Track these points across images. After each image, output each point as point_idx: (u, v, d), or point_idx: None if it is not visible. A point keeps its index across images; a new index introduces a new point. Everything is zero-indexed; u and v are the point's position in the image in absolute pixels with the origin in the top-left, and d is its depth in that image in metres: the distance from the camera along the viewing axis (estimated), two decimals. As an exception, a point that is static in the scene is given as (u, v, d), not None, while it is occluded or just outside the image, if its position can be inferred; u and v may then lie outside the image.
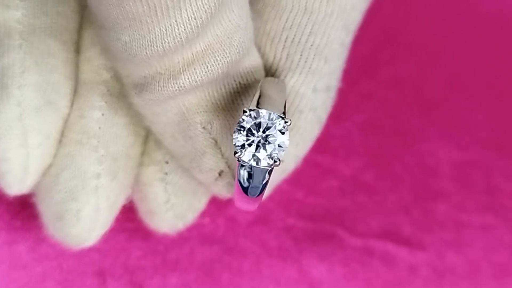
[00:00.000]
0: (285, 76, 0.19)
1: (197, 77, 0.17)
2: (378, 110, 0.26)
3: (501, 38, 0.29)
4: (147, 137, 0.21)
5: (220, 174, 0.19)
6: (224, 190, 0.20)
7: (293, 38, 0.19)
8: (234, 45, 0.17)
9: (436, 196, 0.25)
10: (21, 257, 0.22)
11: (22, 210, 0.22)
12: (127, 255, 0.23)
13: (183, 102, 0.18)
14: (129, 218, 0.22)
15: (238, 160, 0.17)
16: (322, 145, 0.24)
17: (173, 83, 0.17)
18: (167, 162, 0.20)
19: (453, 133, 0.26)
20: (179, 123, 0.18)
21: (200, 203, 0.22)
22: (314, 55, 0.19)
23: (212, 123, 0.18)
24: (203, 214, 0.22)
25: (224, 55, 0.17)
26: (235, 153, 0.17)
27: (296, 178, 0.22)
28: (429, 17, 0.29)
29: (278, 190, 0.22)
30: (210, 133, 0.18)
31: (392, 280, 0.24)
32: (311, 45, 0.19)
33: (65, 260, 0.22)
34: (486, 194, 0.26)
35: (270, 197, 0.22)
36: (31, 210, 0.21)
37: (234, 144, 0.17)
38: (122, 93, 0.19)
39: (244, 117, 0.17)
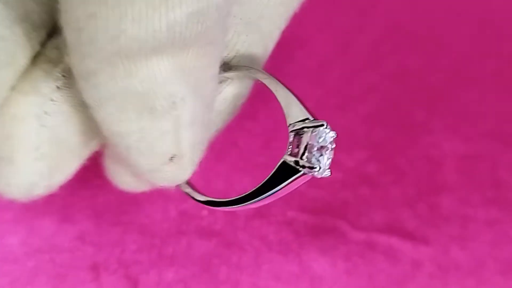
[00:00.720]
0: (228, 54, 0.18)
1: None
2: (382, 102, 0.26)
3: (508, 29, 0.28)
4: (38, 57, 0.16)
5: (171, 159, 0.17)
6: (168, 178, 0.17)
7: (244, 16, 0.18)
8: None
9: (441, 190, 0.25)
10: (13, 250, 0.22)
11: (13, 201, 0.22)
12: (122, 249, 0.22)
13: (158, 67, 0.15)
14: (124, 210, 0.22)
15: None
16: None
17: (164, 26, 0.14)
18: (52, 100, 0.16)
19: (458, 126, 0.26)
20: (141, 92, 0.15)
21: (73, 166, 0.18)
22: (257, 41, 0.19)
23: (185, 99, 0.16)
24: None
25: None
26: (312, 168, 0.16)
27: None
28: (435, 7, 0.29)
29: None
30: (177, 110, 0.16)
31: (395, 276, 0.23)
32: (257, 29, 0.18)
33: (57, 254, 0.22)
34: (491, 188, 0.25)
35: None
36: (21, 202, 0.21)
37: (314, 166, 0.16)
38: None
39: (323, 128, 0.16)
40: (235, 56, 0.19)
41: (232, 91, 0.19)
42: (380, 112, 0.26)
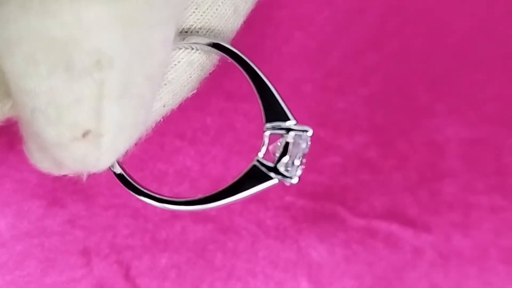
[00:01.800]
0: (185, 8, 0.16)
1: None
2: (384, 84, 0.25)
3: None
4: None
5: (84, 135, 0.14)
6: (75, 158, 0.14)
7: None
8: None
9: (443, 176, 0.25)
10: (0, 234, 0.21)
11: (1, 184, 0.22)
12: (114, 234, 0.22)
13: (88, 11, 0.12)
14: (116, 193, 0.22)
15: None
16: (324, 119, 0.24)
17: None
18: None
19: (463, 110, 0.26)
20: (59, 40, 0.12)
21: None
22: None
23: (113, 60, 0.13)
24: (196, 190, 0.22)
25: None
26: (287, 177, 0.16)
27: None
28: (439, -14, 0.28)
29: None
30: (101, 71, 0.13)
31: (396, 263, 0.23)
32: None
33: (47, 237, 0.22)
34: (495, 175, 0.25)
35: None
36: (9, 184, 0.20)
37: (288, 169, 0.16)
38: None
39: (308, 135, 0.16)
40: (194, 12, 0.16)
41: (187, 57, 0.16)
42: (382, 94, 0.25)
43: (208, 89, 0.19)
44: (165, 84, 0.16)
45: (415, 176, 0.24)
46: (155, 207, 0.22)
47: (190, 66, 0.17)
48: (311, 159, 0.24)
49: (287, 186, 0.23)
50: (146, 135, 0.17)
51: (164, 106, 0.17)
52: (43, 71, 0.13)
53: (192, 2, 0.16)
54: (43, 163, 0.16)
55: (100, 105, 0.13)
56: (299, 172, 0.16)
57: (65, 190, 0.22)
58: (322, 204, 0.23)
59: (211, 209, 0.23)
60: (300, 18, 0.25)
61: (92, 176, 0.22)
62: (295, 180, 0.16)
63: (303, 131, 0.16)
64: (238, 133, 0.24)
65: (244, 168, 0.23)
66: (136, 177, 0.21)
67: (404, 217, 0.24)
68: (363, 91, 0.25)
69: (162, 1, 0.13)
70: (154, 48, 0.14)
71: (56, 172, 0.16)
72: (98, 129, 0.14)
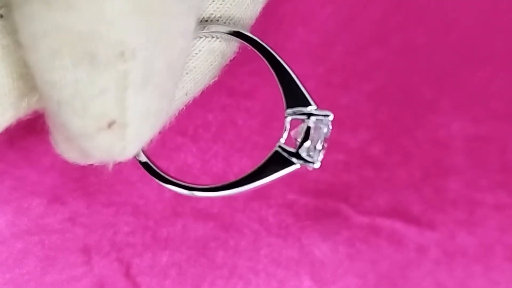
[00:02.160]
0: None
1: None
2: (388, 80, 0.25)
3: (521, 5, 0.28)
4: None
5: (109, 126, 0.14)
6: (101, 148, 0.15)
7: None
8: None
9: (448, 173, 0.24)
10: (0, 232, 0.21)
11: (0, 181, 0.21)
12: (115, 231, 0.22)
13: (112, 4, 0.12)
14: (116, 191, 0.22)
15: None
16: None
17: None
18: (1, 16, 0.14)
19: (467, 106, 0.25)
20: (83, 34, 0.13)
21: (2, 118, 0.16)
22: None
23: (135, 52, 0.13)
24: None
25: None
26: (309, 162, 0.16)
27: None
28: (444, -20, 0.28)
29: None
30: (125, 63, 0.13)
31: (400, 261, 0.23)
32: None
33: (47, 235, 0.22)
34: (500, 172, 0.25)
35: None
36: (9, 182, 0.20)
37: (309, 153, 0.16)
38: None
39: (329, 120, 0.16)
40: (213, 1, 0.17)
41: (208, 45, 0.17)
42: (386, 90, 0.25)
43: (210, 85, 0.19)
44: (186, 73, 0.16)
45: (419, 173, 0.24)
46: (156, 205, 0.22)
47: (211, 54, 0.17)
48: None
49: (290, 183, 0.23)
50: (170, 123, 0.17)
51: (186, 94, 0.17)
52: (68, 64, 0.13)
53: None
54: (70, 153, 0.16)
55: (124, 96, 0.14)
56: (321, 157, 0.16)
57: (65, 187, 0.22)
58: (325, 202, 0.23)
59: (213, 205, 0.23)
60: (303, 14, 0.25)
61: (92, 174, 0.22)
62: (317, 165, 0.16)
63: (324, 115, 0.16)
64: (239, 129, 0.23)
65: (246, 165, 0.23)
66: (138, 174, 0.21)
67: (408, 215, 0.23)
68: (366, 87, 0.25)
69: None
70: (175, 38, 0.14)
71: (83, 161, 0.16)
72: (123, 119, 0.14)
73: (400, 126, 0.25)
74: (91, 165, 0.16)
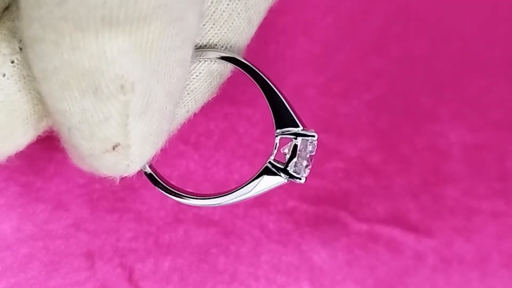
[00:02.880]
0: (204, 24, 0.17)
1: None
2: (388, 89, 0.25)
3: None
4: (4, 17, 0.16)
5: (114, 148, 0.16)
6: (108, 166, 0.16)
7: None
8: None
9: (446, 181, 0.24)
10: (5, 237, 0.21)
11: (5, 187, 0.21)
12: (117, 237, 0.22)
13: (110, 45, 0.13)
14: (119, 197, 0.22)
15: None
16: (327, 124, 0.24)
17: None
18: (12, 62, 0.15)
19: (466, 114, 0.25)
20: (87, 70, 0.14)
21: (24, 138, 0.17)
22: (240, 11, 0.18)
23: (134, 85, 0.14)
24: None
25: None
26: (295, 178, 0.17)
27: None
28: (443, -10, 0.28)
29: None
30: (125, 95, 0.14)
31: (398, 268, 0.23)
32: None
33: (51, 240, 0.22)
34: (498, 180, 0.25)
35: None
36: (14, 188, 0.20)
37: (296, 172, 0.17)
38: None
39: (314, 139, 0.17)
40: (211, 28, 0.17)
41: (207, 68, 0.18)
42: (385, 99, 0.25)
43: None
44: (188, 94, 0.18)
45: (417, 180, 0.24)
46: (158, 211, 0.23)
47: (210, 75, 0.18)
48: (314, 164, 0.24)
49: (290, 191, 0.23)
50: (172, 136, 0.18)
51: (187, 112, 0.18)
52: (76, 95, 0.15)
53: (210, 19, 0.17)
54: (84, 167, 0.17)
55: (126, 122, 0.15)
56: (307, 173, 0.18)
57: (70, 194, 0.22)
58: (325, 209, 0.23)
59: (215, 212, 0.23)
60: (304, 23, 0.25)
61: (96, 181, 0.22)
62: (303, 180, 0.18)
63: (310, 136, 0.17)
64: (241, 137, 0.23)
65: (247, 172, 0.23)
66: (141, 181, 0.21)
67: (406, 222, 0.24)
68: (366, 96, 0.25)
69: (176, 29, 0.14)
70: (172, 68, 0.15)
71: (96, 173, 0.18)
72: (126, 141, 0.16)
73: (399, 135, 0.25)
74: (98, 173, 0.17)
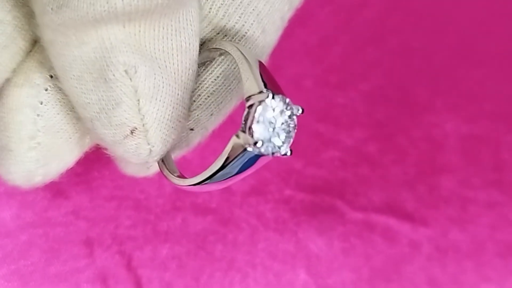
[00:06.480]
0: (216, 35, 0.18)
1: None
2: (384, 79, 0.25)
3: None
4: (30, 52, 0.17)
5: (132, 132, 0.17)
6: (131, 152, 0.17)
7: None
8: None
9: (442, 171, 0.25)
10: (5, 224, 0.22)
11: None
12: (116, 225, 0.22)
13: (107, 35, 0.15)
14: (119, 185, 0.22)
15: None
16: (324, 113, 0.24)
17: (103, 1, 0.15)
18: (46, 90, 0.17)
19: (462, 105, 0.26)
20: (95, 61, 0.16)
21: (71, 155, 0.18)
22: (253, 22, 0.18)
23: (136, 68, 0.16)
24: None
25: None
26: (255, 143, 0.15)
27: (295, 147, 0.21)
28: (440, -17, 0.28)
29: (276, 159, 0.21)
30: (131, 79, 0.16)
31: (393, 257, 0.23)
32: (253, 10, 0.18)
33: (51, 228, 0.22)
34: (493, 170, 0.25)
35: (267, 166, 0.22)
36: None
37: (253, 135, 0.15)
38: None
39: (268, 101, 0.15)
40: (217, 33, 0.18)
41: (222, 71, 0.18)
42: (382, 90, 0.25)
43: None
44: (208, 96, 0.19)
45: (413, 171, 0.24)
46: (157, 200, 0.23)
47: (227, 79, 0.19)
48: (310, 153, 0.24)
49: (287, 179, 0.23)
50: (206, 137, 0.20)
51: (211, 115, 0.19)
52: (91, 86, 0.16)
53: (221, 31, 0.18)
54: (129, 169, 0.19)
55: (138, 106, 0.16)
56: (278, 141, 0.16)
57: (69, 182, 0.22)
58: (321, 198, 0.23)
59: (212, 200, 0.23)
60: (301, 14, 0.25)
61: (95, 169, 0.23)
62: (272, 150, 0.16)
63: (263, 99, 0.16)
64: (238, 126, 0.24)
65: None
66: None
67: (402, 211, 0.24)
68: (363, 86, 0.25)
69: (167, 19, 0.16)
70: (172, 55, 0.16)
71: (141, 174, 0.19)
72: (141, 125, 0.17)
73: (395, 125, 0.25)
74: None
